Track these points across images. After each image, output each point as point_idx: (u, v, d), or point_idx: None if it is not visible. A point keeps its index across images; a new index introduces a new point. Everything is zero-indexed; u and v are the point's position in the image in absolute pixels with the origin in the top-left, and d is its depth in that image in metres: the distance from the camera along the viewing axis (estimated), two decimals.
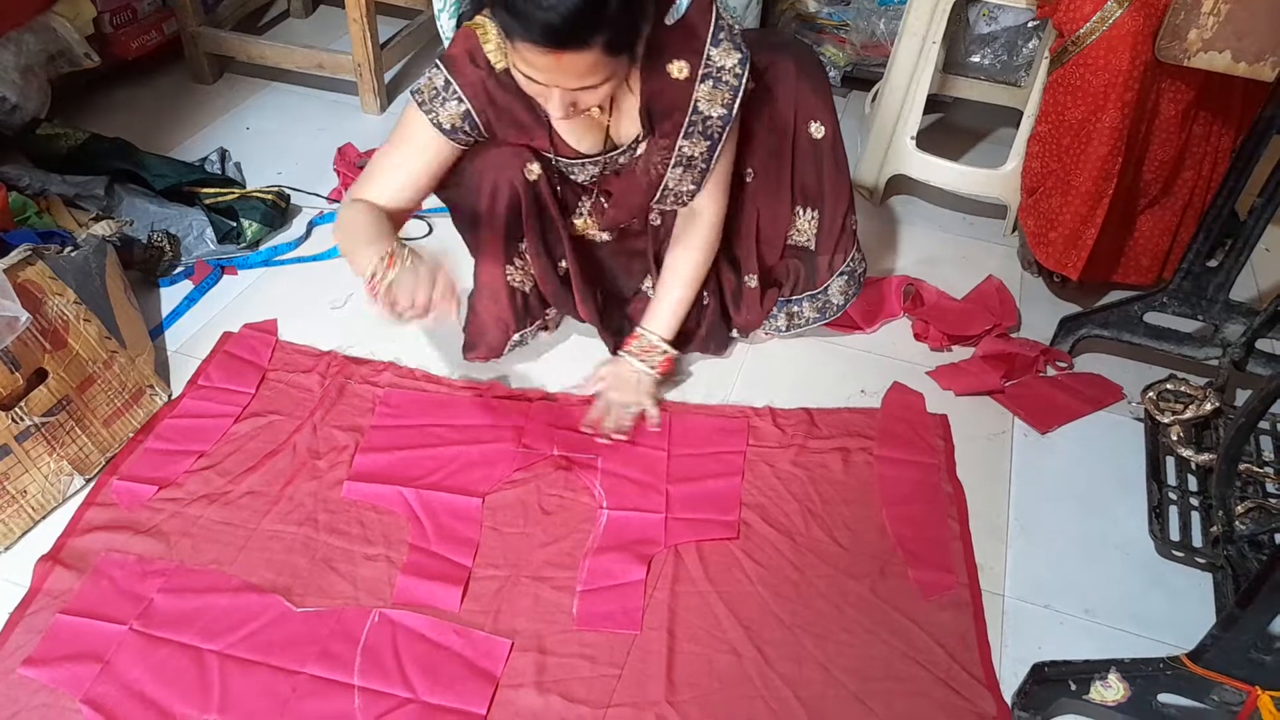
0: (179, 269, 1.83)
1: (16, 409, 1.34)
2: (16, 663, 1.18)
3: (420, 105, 1.34)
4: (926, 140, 2.06)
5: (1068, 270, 1.75)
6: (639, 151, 1.42)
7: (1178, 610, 1.33)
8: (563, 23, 1.09)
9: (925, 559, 1.36)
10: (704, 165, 1.40)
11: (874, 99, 2.28)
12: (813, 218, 1.58)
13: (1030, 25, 2.28)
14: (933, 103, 2.18)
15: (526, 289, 1.57)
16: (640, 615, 1.27)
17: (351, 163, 2.11)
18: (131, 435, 1.49)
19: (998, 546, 1.41)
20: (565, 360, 1.68)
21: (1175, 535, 1.40)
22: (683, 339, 1.67)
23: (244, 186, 2.04)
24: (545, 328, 1.72)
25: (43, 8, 2.03)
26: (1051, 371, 1.71)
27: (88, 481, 1.42)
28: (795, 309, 1.69)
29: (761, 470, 1.48)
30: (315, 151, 2.20)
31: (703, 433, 1.53)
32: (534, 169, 1.41)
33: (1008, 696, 1.21)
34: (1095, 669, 1.11)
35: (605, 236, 1.56)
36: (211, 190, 1.95)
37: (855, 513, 1.42)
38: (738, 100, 1.36)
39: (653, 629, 1.26)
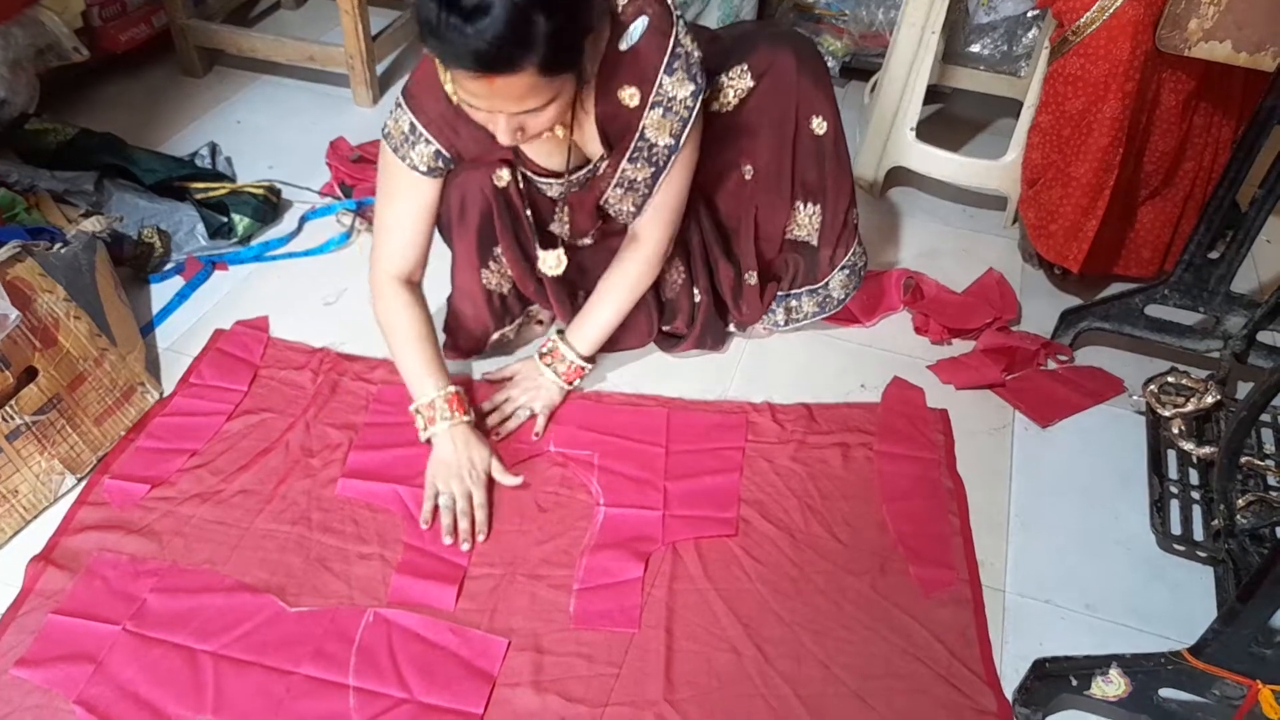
0: (170, 265, 1.81)
1: (7, 408, 1.32)
2: (9, 664, 1.17)
3: (395, 151, 1.35)
4: (926, 131, 2.04)
5: (1068, 262, 1.74)
6: (600, 170, 1.40)
7: (1179, 604, 1.33)
8: (489, 47, 1.06)
9: (925, 555, 1.35)
10: (645, 190, 1.39)
11: (873, 90, 2.26)
12: (814, 212, 1.57)
13: (1030, 15, 2.26)
14: (932, 93, 2.16)
15: (504, 290, 1.55)
16: (638, 613, 1.26)
17: (344, 156, 2.09)
18: (123, 434, 1.47)
19: (998, 542, 1.40)
20: None
21: (1176, 529, 1.40)
22: (675, 341, 1.66)
23: (235, 181, 2.02)
24: (539, 322, 1.70)
25: (31, 1, 2.01)
26: (1052, 365, 1.70)
27: (79, 480, 1.41)
28: (794, 303, 1.68)
29: (760, 466, 1.47)
30: (307, 145, 2.18)
31: (701, 429, 1.52)
32: (503, 175, 1.40)
33: (1009, 693, 1.20)
34: (1096, 664, 1.11)
35: (586, 241, 1.54)
36: (202, 185, 1.94)
37: (855, 509, 1.41)
38: (686, 131, 1.33)
39: (651, 627, 1.25)
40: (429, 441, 1.40)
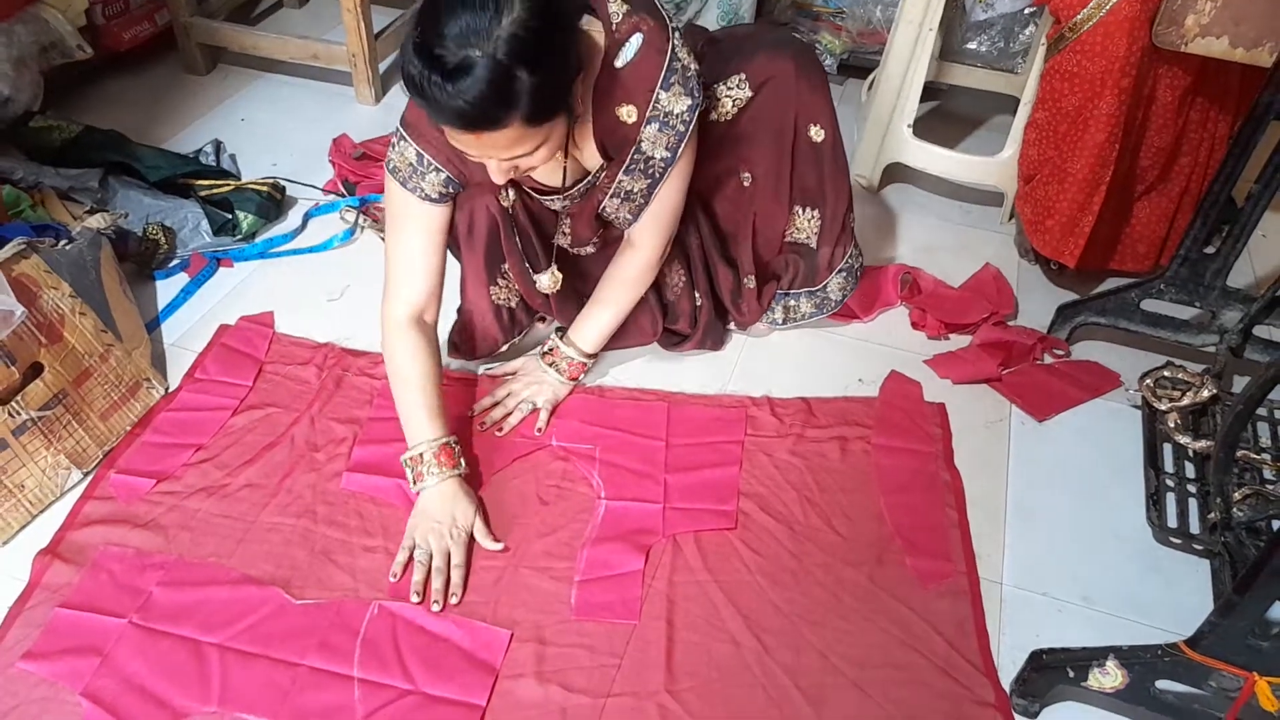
0: (174, 262, 1.82)
1: (13, 403, 1.33)
2: (16, 657, 1.18)
3: (403, 184, 1.34)
4: (923, 128, 2.05)
5: (1065, 258, 1.75)
6: (598, 181, 1.41)
7: (1175, 597, 1.34)
8: (472, 108, 1.07)
9: (923, 547, 1.36)
10: (642, 201, 1.39)
11: (870, 87, 2.27)
12: (813, 217, 1.58)
13: (1027, 11, 2.27)
14: (929, 90, 2.17)
15: (513, 304, 1.57)
16: (639, 605, 1.27)
17: (347, 153, 2.10)
18: (129, 429, 1.48)
19: (995, 534, 1.41)
20: None
21: (1173, 522, 1.41)
22: (678, 339, 1.67)
23: (239, 178, 2.03)
24: (542, 319, 1.72)
25: None
26: (1049, 359, 1.71)
27: (85, 475, 1.42)
28: (792, 303, 1.69)
29: (759, 460, 1.48)
30: (310, 143, 2.19)
31: (701, 423, 1.53)
32: (509, 195, 1.41)
33: (1006, 684, 1.21)
34: (1093, 656, 1.12)
35: (589, 249, 1.55)
36: (206, 182, 1.95)
37: (853, 501, 1.43)
38: (682, 144, 1.33)
39: (651, 619, 1.26)
40: (418, 494, 1.35)
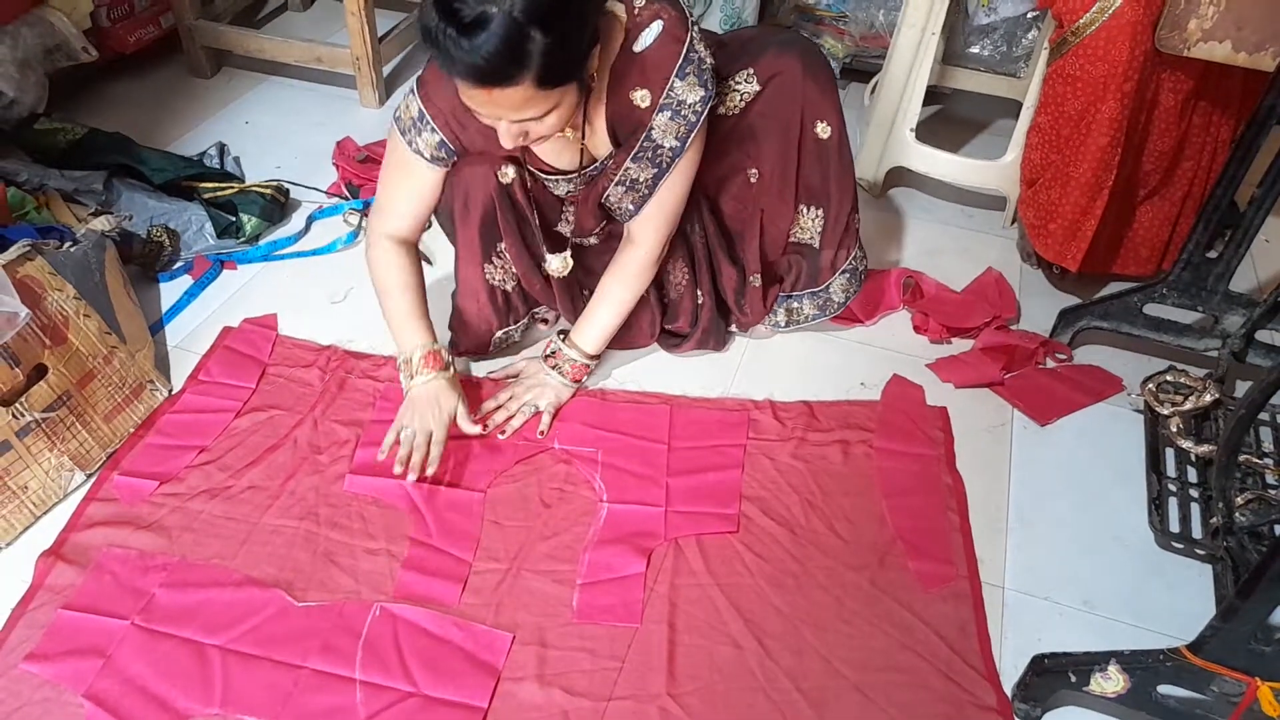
0: (178, 264, 1.83)
1: (17, 404, 1.34)
2: (19, 658, 1.18)
3: (402, 134, 1.38)
4: (926, 132, 2.06)
5: (1067, 262, 1.75)
6: (605, 168, 1.42)
7: (1177, 602, 1.34)
8: (485, 64, 1.09)
9: (925, 551, 1.36)
10: (646, 191, 1.40)
11: (873, 91, 2.27)
12: (817, 216, 1.58)
13: (1030, 16, 2.27)
14: (932, 94, 2.18)
15: (508, 287, 1.57)
16: (641, 608, 1.27)
17: (350, 156, 2.11)
18: (132, 430, 1.49)
19: (997, 538, 1.41)
20: None
21: (1175, 527, 1.41)
22: (678, 340, 1.67)
23: (243, 181, 2.04)
24: (544, 320, 1.72)
25: (39, 0, 2.03)
26: (1051, 363, 1.71)
27: (89, 477, 1.42)
28: (795, 304, 1.69)
29: (761, 463, 1.48)
30: (314, 146, 2.19)
31: (703, 426, 1.54)
32: (508, 172, 1.42)
33: (1007, 688, 1.21)
34: (1095, 660, 1.12)
35: (592, 240, 1.55)
36: (210, 185, 1.95)
37: (855, 505, 1.43)
38: (692, 135, 1.35)
39: (653, 622, 1.26)
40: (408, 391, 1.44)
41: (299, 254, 1.90)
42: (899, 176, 2.14)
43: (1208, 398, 1.53)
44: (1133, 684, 1.10)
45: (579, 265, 1.55)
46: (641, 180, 1.39)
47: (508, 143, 1.23)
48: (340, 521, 1.37)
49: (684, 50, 1.30)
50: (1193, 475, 1.48)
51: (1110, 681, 1.11)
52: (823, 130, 1.49)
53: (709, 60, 1.33)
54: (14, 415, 1.33)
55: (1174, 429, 1.52)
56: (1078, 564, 1.38)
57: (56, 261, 1.46)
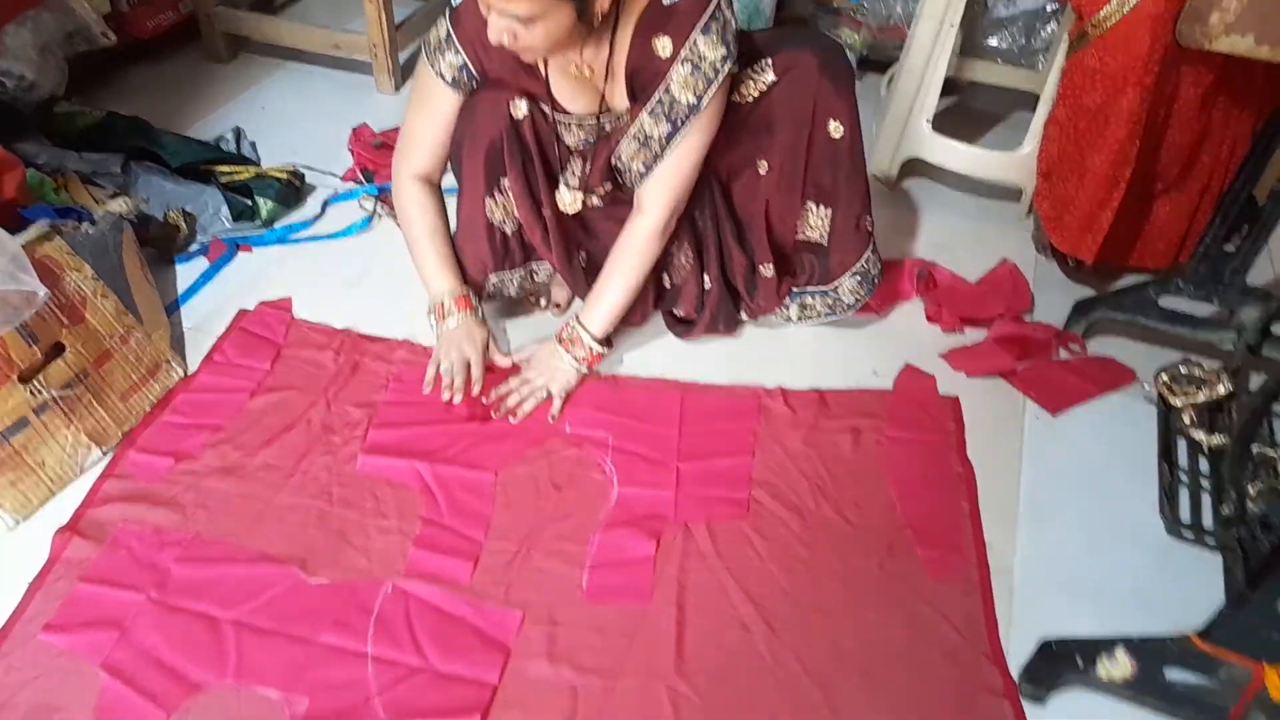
0: (194, 247, 1.84)
1: (35, 382, 1.35)
2: (37, 629, 1.20)
3: (428, 57, 1.44)
4: (942, 124, 2.05)
5: (1082, 254, 1.74)
6: (620, 120, 1.43)
7: (1185, 591, 1.33)
8: None
9: (934, 538, 1.36)
10: (658, 149, 1.41)
11: (889, 82, 2.27)
12: (826, 215, 1.58)
13: (1049, 8, 2.26)
14: (949, 86, 2.16)
15: (508, 230, 1.56)
16: (650, 589, 1.28)
17: (366, 142, 2.12)
18: (148, 409, 1.50)
19: (1007, 526, 1.41)
20: None
21: (1185, 517, 1.40)
22: (688, 326, 1.68)
23: (259, 165, 2.05)
24: (556, 305, 1.73)
25: None
26: (1064, 354, 1.71)
27: (105, 454, 1.44)
28: (809, 300, 1.69)
29: (772, 449, 1.48)
30: (330, 131, 2.20)
31: (714, 411, 1.54)
32: (521, 106, 1.43)
33: (1015, 672, 1.21)
34: (1102, 646, 1.12)
35: (595, 201, 1.54)
36: (227, 169, 1.97)
37: (865, 492, 1.43)
38: (710, 92, 1.36)
39: (662, 603, 1.27)
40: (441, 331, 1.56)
41: (314, 238, 1.91)
42: (914, 168, 2.14)
43: (1221, 389, 1.53)
44: (1140, 669, 1.11)
45: (578, 226, 1.55)
46: (655, 137, 1.40)
47: (493, 36, 1.27)
48: (353, 500, 1.38)
49: (711, 9, 1.33)
50: (1204, 466, 1.48)
51: (1117, 666, 1.12)
52: (835, 129, 1.49)
53: (734, 24, 1.35)
54: (31, 392, 1.35)
55: (1187, 420, 1.51)
56: (1087, 553, 1.38)
57: (75, 242, 1.47)
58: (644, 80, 1.38)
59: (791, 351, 1.69)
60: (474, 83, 1.43)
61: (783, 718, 1.16)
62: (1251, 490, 1.37)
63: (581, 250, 1.60)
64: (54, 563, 1.28)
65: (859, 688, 1.19)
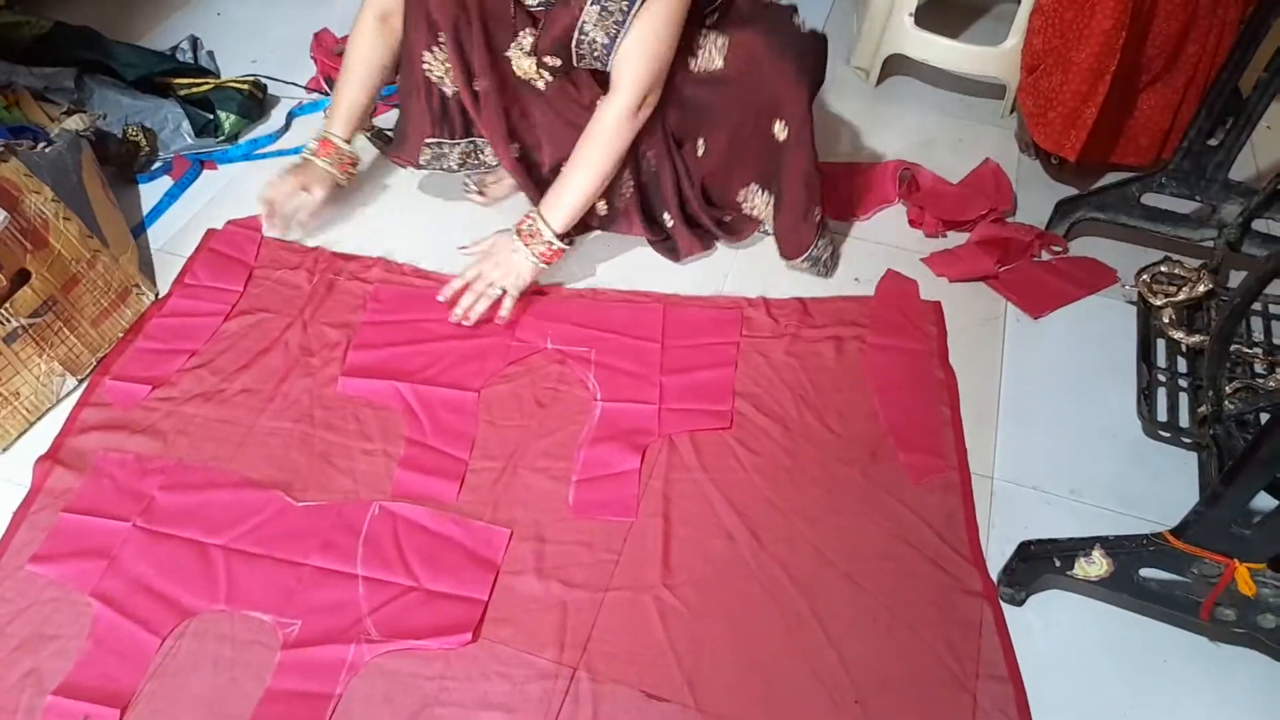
0: (157, 164, 1.78)
1: (2, 310, 1.32)
2: (24, 560, 1.20)
3: None
4: (925, 17, 1.99)
5: (1065, 150, 1.72)
6: None
7: (1161, 489, 1.36)
8: None
9: (916, 444, 1.38)
10: (620, 17, 1.33)
11: None
12: (769, 201, 1.54)
13: None
14: None
15: (447, 91, 1.52)
16: (636, 503, 1.29)
17: (329, 49, 2.03)
18: (121, 335, 1.48)
19: (988, 430, 1.42)
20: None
21: (1163, 416, 1.42)
22: (672, 251, 1.66)
23: (218, 76, 1.97)
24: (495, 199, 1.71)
25: None
26: (1046, 256, 1.70)
27: (80, 382, 1.42)
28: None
29: (755, 360, 1.48)
30: (291, 38, 2.11)
31: (696, 324, 1.53)
32: None
33: (994, 574, 1.24)
34: (1079, 546, 1.14)
35: (545, 77, 1.48)
36: (185, 81, 1.89)
37: (847, 399, 1.44)
38: None
39: (648, 516, 1.28)
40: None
41: (280, 152, 1.85)
42: (896, 64, 2.08)
43: (1201, 288, 1.53)
44: (1115, 567, 1.13)
45: (516, 104, 1.51)
46: (616, 6, 1.32)
47: None
48: (335, 423, 1.37)
49: None
50: (1182, 366, 1.49)
51: (1094, 565, 1.14)
52: (780, 130, 1.45)
53: None
54: (0, 321, 1.32)
55: (1166, 320, 1.52)
56: (1066, 454, 1.40)
57: (32, 163, 1.42)
58: None
59: (773, 259, 1.67)
60: None
61: (768, 624, 1.18)
62: (1228, 389, 1.38)
63: (515, 142, 1.54)
64: (36, 493, 1.28)
65: (842, 592, 1.22)
